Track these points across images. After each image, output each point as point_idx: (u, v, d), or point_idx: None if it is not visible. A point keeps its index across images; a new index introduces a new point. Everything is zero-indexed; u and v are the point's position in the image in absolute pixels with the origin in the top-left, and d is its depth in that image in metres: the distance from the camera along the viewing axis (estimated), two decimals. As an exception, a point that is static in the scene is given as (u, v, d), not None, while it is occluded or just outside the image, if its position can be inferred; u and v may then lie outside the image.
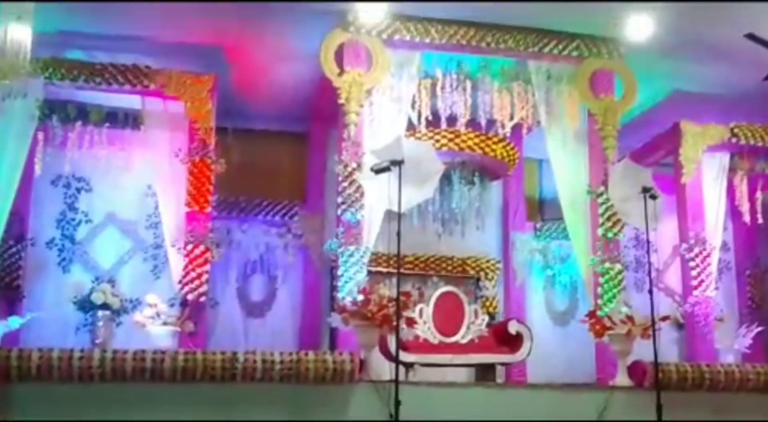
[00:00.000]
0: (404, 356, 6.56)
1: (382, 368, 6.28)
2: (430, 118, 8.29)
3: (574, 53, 8.32)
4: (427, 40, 7.99)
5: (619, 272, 8.02)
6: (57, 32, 7.85)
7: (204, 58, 8.47)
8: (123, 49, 8.25)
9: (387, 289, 6.45)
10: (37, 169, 8.13)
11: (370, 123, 7.89)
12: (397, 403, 5.17)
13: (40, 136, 8.09)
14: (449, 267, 9.83)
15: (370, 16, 7.49)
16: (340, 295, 7.31)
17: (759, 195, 9.40)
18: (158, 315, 7.34)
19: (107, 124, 8.30)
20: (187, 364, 5.59)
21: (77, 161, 8.28)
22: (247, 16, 7.75)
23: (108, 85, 7.91)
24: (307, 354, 5.85)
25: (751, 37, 7.47)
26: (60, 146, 8.24)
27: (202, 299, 7.63)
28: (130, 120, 8.29)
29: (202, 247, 7.69)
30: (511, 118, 8.55)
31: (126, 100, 8.24)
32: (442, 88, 8.32)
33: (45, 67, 7.74)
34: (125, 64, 8.02)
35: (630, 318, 6.81)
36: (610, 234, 8.07)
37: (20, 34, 5.78)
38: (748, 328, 8.80)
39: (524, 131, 8.72)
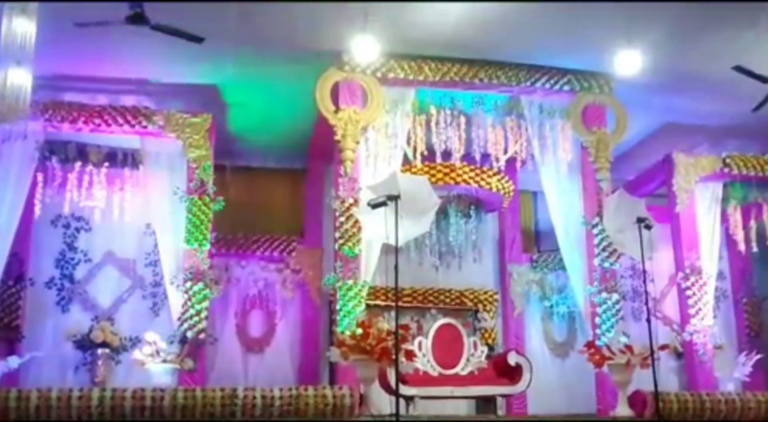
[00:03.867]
0: (404, 389, 6.56)
1: (382, 402, 6.28)
2: (426, 153, 8.39)
3: (566, 88, 8.46)
4: (421, 78, 8.13)
5: (617, 302, 8.05)
6: (56, 76, 7.99)
7: (201, 99, 8.60)
8: (122, 90, 8.40)
9: (386, 323, 6.48)
10: (37, 209, 8.20)
11: (366, 159, 7.99)
12: (398, 437, 5.16)
13: (40, 176, 8.18)
14: (447, 300, 9.86)
15: (365, 56, 7.63)
16: (338, 329, 7.32)
17: (753, 223, 9.48)
18: (157, 352, 7.34)
19: (106, 164, 8.40)
20: (187, 402, 5.60)
21: (77, 201, 8.35)
22: (243, 56, 7.89)
23: (107, 126, 8.02)
24: (306, 390, 5.86)
25: (739, 69, 7.61)
26: (59, 186, 8.32)
27: (201, 336, 7.64)
28: (129, 159, 8.40)
29: (200, 284, 7.73)
30: (505, 152, 8.67)
31: (125, 141, 8.35)
32: (437, 123, 8.42)
33: (45, 109, 7.86)
34: (124, 106, 8.15)
35: (629, 347, 6.84)
36: (606, 265, 8.13)
37: (20, 77, 5.88)
38: (747, 356, 8.80)
39: (518, 164, 8.83)
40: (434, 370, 7.16)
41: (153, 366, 7.36)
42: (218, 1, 6.89)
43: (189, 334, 7.55)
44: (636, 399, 6.59)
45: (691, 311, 8.72)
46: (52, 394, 5.49)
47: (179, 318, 7.65)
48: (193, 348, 7.52)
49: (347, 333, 6.72)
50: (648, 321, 6.22)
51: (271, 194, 10.38)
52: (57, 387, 5.62)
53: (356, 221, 7.52)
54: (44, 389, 5.55)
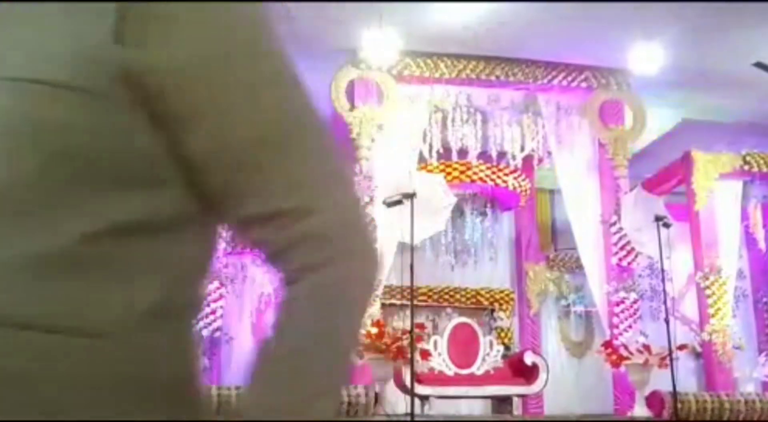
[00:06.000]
0: (419, 389, 6.53)
1: (397, 401, 6.26)
2: (441, 151, 8.36)
3: (583, 84, 8.40)
4: (437, 75, 8.10)
5: (634, 301, 7.99)
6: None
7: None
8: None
9: (401, 321, 6.46)
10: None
11: (381, 157, 7.97)
12: (413, 437, 5.14)
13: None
14: (463, 299, 9.80)
15: (380, 53, 7.60)
16: (354, 328, 7.30)
17: (774, 222, 9.37)
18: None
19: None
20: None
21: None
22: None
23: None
24: (321, 388, 5.84)
25: (760, 65, 7.51)
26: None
27: (217, 334, 7.66)
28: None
29: (216, 283, 7.74)
30: (522, 150, 8.62)
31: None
32: (453, 121, 8.40)
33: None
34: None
35: (647, 347, 6.78)
36: (624, 263, 8.06)
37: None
38: (767, 356, 8.69)
39: (535, 162, 8.78)
40: (450, 370, 7.12)
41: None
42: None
43: (204, 333, 7.57)
44: (654, 400, 6.52)
45: (710, 311, 8.63)
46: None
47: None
48: (208, 346, 7.53)
49: (362, 331, 6.71)
50: (666, 320, 6.16)
51: (287, 192, 10.37)
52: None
53: (372, 219, 7.50)
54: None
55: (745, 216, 9.31)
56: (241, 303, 9.56)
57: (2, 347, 0.65)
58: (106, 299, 0.69)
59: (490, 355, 7.29)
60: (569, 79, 8.36)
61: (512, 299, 10.02)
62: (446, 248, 9.16)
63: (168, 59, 0.70)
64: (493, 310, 9.88)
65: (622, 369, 6.92)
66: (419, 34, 7.63)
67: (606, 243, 8.20)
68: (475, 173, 8.69)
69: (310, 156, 0.79)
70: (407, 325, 5.97)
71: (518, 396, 7.34)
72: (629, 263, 8.09)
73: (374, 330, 6.31)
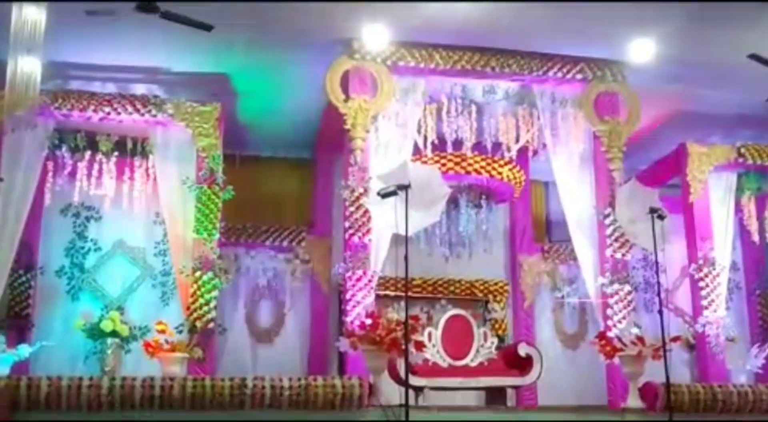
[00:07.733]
0: (414, 380, 6.54)
1: (391, 392, 6.25)
2: (436, 142, 8.34)
3: (579, 76, 8.37)
4: (432, 66, 8.07)
5: (629, 293, 8.00)
6: (66, 64, 7.97)
7: (211, 87, 8.56)
8: (131, 79, 8.38)
9: (395, 313, 6.47)
10: (47, 198, 8.20)
11: (376, 148, 7.95)
12: (407, 428, 5.14)
13: (50, 165, 8.17)
14: (457, 290, 9.82)
15: (375, 44, 7.56)
16: (348, 320, 7.31)
17: (767, 214, 9.38)
18: (167, 342, 7.33)
19: (116, 153, 8.39)
20: (196, 391, 5.59)
21: (86, 190, 8.35)
22: (253, 45, 7.85)
23: (117, 115, 8.01)
24: (315, 380, 5.84)
25: (755, 57, 7.50)
26: (69, 175, 8.31)
27: (211, 325, 7.64)
28: (139, 148, 8.37)
29: (210, 274, 7.72)
30: (517, 141, 8.61)
31: (134, 129, 8.33)
32: (448, 112, 8.38)
33: (55, 97, 7.84)
34: (134, 94, 8.13)
35: (640, 339, 6.79)
36: (618, 255, 8.07)
37: (30, 66, 5.87)
38: (760, 348, 8.73)
39: (530, 154, 8.78)
40: (444, 361, 7.13)
41: (162, 355, 7.35)
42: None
43: (198, 324, 7.55)
44: (647, 391, 6.54)
45: (704, 303, 8.65)
46: (63, 383, 5.49)
47: (188, 308, 7.65)
48: (202, 337, 7.52)
49: (356, 323, 6.70)
50: (660, 312, 6.16)
51: (281, 184, 10.35)
52: (67, 376, 5.62)
53: (366, 211, 7.48)
54: (54, 377, 5.55)
55: (739, 208, 9.33)
56: (235, 294, 9.55)
57: None
58: None
59: (484, 347, 7.30)
60: (564, 70, 8.33)
61: (506, 291, 10.04)
62: (441, 239, 9.15)
63: None
64: (487, 302, 9.90)
65: (616, 360, 6.93)
66: (414, 25, 7.59)
67: (600, 235, 8.20)
68: (469, 164, 8.68)
69: None
70: (402, 317, 5.96)
71: (512, 387, 7.35)
72: (623, 255, 8.09)
73: (368, 322, 6.31)
